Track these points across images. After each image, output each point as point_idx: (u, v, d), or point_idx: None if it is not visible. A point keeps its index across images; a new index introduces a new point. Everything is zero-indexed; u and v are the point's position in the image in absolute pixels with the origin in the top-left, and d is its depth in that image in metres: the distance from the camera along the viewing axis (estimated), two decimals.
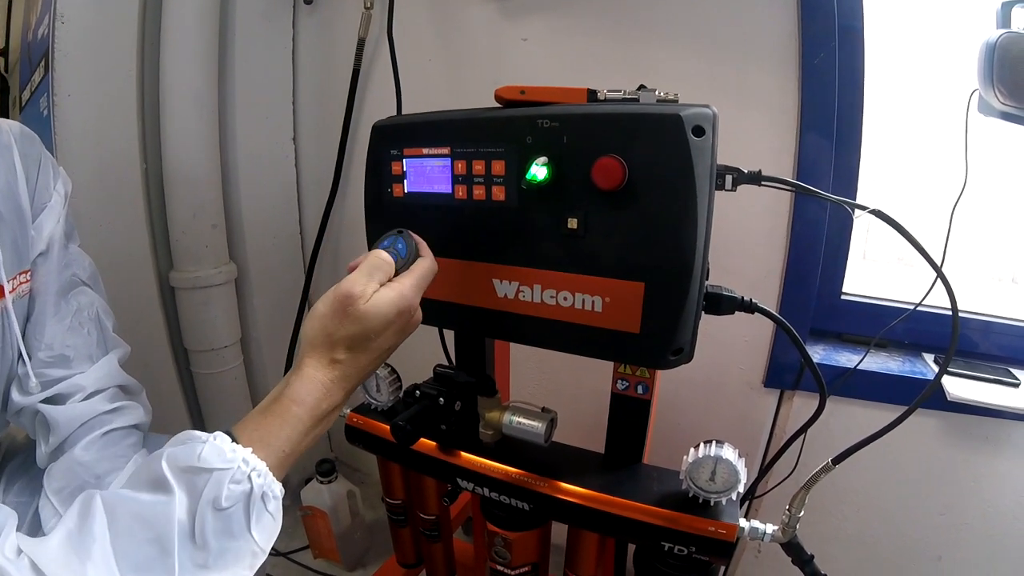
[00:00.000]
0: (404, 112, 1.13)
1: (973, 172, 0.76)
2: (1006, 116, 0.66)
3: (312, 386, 0.48)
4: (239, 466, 0.44)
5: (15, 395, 0.65)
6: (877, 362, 0.92)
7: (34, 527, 0.65)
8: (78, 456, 0.64)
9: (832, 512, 0.99)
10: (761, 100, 0.86)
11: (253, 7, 1.23)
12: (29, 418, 0.68)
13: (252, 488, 0.44)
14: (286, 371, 1.11)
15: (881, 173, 0.94)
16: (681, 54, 0.91)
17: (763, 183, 0.53)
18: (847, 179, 0.90)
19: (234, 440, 0.46)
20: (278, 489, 0.46)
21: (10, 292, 0.60)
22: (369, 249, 0.54)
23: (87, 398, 0.68)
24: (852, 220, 0.88)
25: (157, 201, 1.19)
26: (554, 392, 0.78)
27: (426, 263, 0.55)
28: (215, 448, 0.44)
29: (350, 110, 1.22)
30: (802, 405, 0.95)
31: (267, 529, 0.46)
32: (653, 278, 0.50)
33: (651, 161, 0.47)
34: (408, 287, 0.52)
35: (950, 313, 0.53)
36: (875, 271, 1.17)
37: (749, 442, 0.87)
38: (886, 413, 0.82)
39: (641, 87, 0.52)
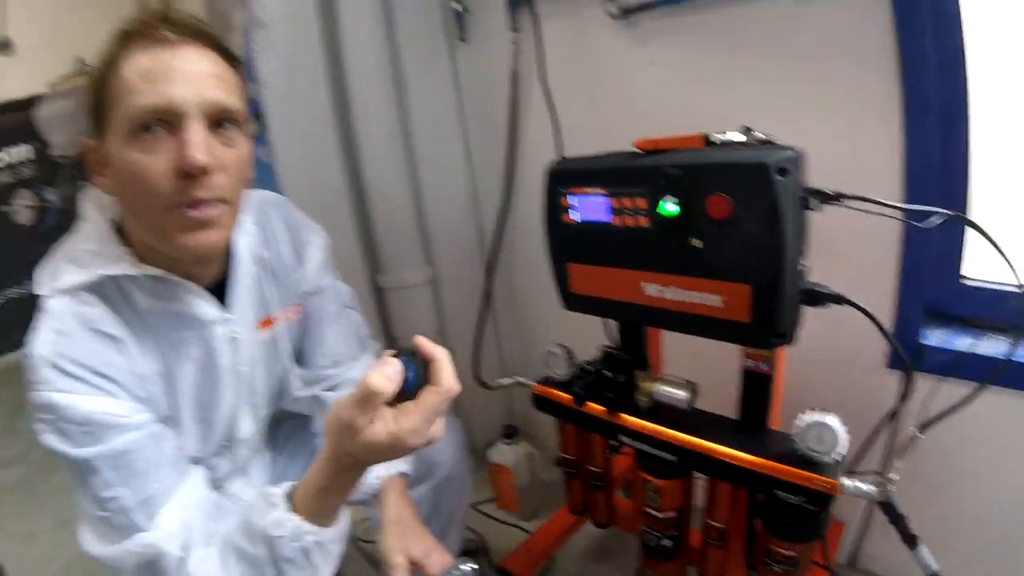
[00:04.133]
0: (560, 134, 1.38)
1: None
2: None
3: (330, 470, 0.64)
4: (293, 531, 0.65)
5: (296, 389, 0.98)
6: (993, 346, 0.99)
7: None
8: None
9: (949, 492, 1.09)
10: (869, 110, 0.98)
11: (418, 52, 1.58)
12: (307, 403, 1.02)
13: (305, 545, 0.66)
14: (474, 350, 1.51)
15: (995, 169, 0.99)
16: (791, 75, 1.05)
17: (843, 202, 0.72)
18: (954, 180, 0.97)
19: (292, 500, 0.67)
20: (327, 535, 0.67)
21: (283, 319, 0.93)
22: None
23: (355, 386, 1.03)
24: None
25: (361, 219, 1.61)
26: (699, 368, 1.00)
27: (434, 399, 0.59)
28: (277, 519, 0.65)
29: (512, 130, 1.51)
30: (924, 386, 0.99)
31: (326, 559, 0.69)
32: (756, 281, 0.73)
33: (748, 197, 0.70)
34: (406, 430, 0.57)
35: None
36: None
37: (869, 417, 0.98)
38: (1003, 397, 0.94)
39: (746, 129, 0.75)
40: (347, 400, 0.58)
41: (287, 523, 0.65)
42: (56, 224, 5.10)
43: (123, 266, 0.72)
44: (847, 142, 1.01)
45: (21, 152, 4.99)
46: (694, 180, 0.74)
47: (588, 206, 0.87)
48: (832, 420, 0.76)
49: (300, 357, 1.00)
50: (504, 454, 1.56)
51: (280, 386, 0.99)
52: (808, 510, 0.80)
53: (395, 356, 0.59)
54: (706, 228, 0.75)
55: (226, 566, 0.69)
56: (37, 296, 0.73)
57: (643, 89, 1.27)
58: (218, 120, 0.67)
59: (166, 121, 0.64)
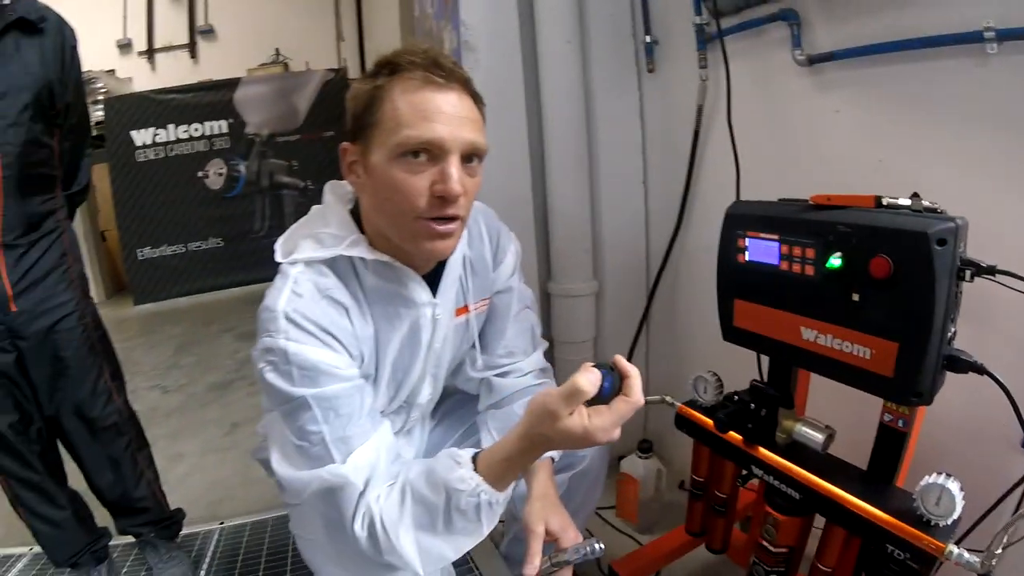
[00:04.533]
0: (739, 170, 1.50)
1: None
2: None
3: (520, 444, 0.83)
4: (474, 487, 0.83)
5: (470, 370, 1.20)
6: None
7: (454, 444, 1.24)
8: (516, 410, 1.16)
9: None
10: None
11: (608, 78, 1.80)
12: (476, 383, 1.23)
13: (480, 501, 0.83)
14: None
15: None
16: (975, 136, 1.08)
17: (996, 277, 0.82)
18: None
19: (476, 463, 0.85)
20: (499, 497, 0.84)
21: (474, 309, 1.13)
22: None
23: (523, 376, 1.21)
24: None
25: (542, 230, 1.86)
26: (839, 415, 1.06)
27: (624, 408, 0.79)
28: (461, 475, 0.83)
29: (692, 162, 1.67)
30: None
31: (490, 518, 0.85)
32: (903, 340, 0.85)
33: (907, 261, 0.82)
34: (597, 426, 0.77)
35: None
36: None
37: (992, 492, 1.01)
38: None
39: (914, 195, 0.87)
40: (554, 392, 0.77)
41: (470, 480, 0.83)
42: (243, 192, 6.01)
43: (360, 250, 0.93)
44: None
45: (218, 126, 5.91)
46: (860, 239, 0.88)
47: (760, 249, 1.03)
48: (953, 485, 0.83)
49: (481, 344, 1.21)
50: (636, 466, 1.72)
51: (458, 365, 1.23)
52: (911, 568, 0.87)
53: (596, 367, 0.78)
54: (866, 285, 0.88)
55: (403, 504, 0.87)
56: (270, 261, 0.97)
57: (825, 137, 1.36)
58: (468, 155, 0.87)
59: (431, 152, 0.84)
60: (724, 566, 1.51)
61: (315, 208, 1.03)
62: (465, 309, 1.13)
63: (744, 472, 1.19)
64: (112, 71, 6.10)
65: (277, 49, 6.55)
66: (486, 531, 0.87)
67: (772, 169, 1.47)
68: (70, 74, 1.47)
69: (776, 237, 1.00)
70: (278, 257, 0.95)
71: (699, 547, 1.43)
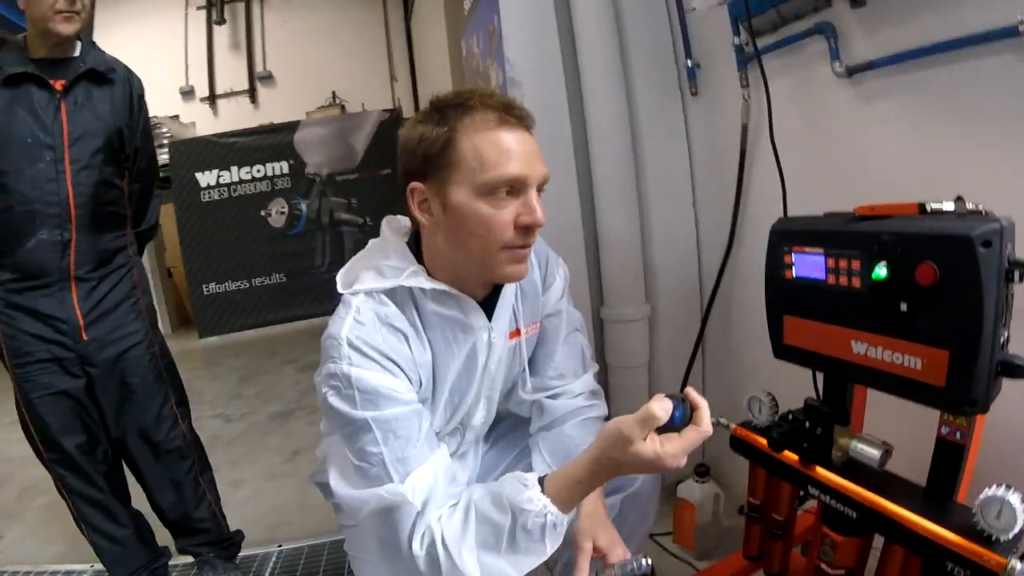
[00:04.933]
0: (785, 187, 1.48)
1: None
2: None
3: (590, 468, 0.86)
4: (541, 508, 0.85)
5: (522, 392, 1.23)
6: None
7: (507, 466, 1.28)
8: (567, 431, 1.20)
9: None
10: None
11: (652, 104, 1.84)
12: (528, 406, 1.25)
13: (546, 522, 0.85)
14: (680, 390, 1.65)
15: None
16: (1020, 129, 1.06)
17: None
18: None
19: (542, 485, 0.88)
20: (564, 519, 0.86)
21: (526, 332, 1.19)
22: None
23: (574, 398, 1.23)
24: None
25: (593, 256, 1.89)
26: (897, 431, 1.03)
27: (694, 436, 0.83)
28: (529, 496, 0.86)
29: (740, 182, 1.68)
30: None
31: (553, 539, 0.87)
32: (954, 348, 0.83)
33: (952, 266, 0.81)
34: (668, 453, 0.81)
35: None
36: None
37: None
38: None
39: (958, 199, 0.85)
40: (629, 418, 0.82)
41: (537, 501, 0.86)
42: (304, 229, 6.26)
43: (420, 280, 0.99)
44: None
45: (279, 167, 6.18)
46: (905, 247, 0.87)
47: (806, 264, 1.03)
48: (1013, 497, 0.80)
49: (531, 367, 1.25)
50: (693, 491, 1.71)
51: (511, 388, 1.26)
52: None
53: (668, 397, 0.84)
54: (913, 293, 0.87)
55: (466, 524, 0.89)
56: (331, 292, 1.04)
57: (869, 147, 1.34)
58: (540, 186, 0.96)
59: (513, 187, 0.92)
60: None
61: (373, 242, 1.09)
62: (517, 332, 1.17)
63: (801, 493, 1.16)
64: (176, 116, 6.52)
65: (334, 92, 6.87)
66: (549, 552, 0.89)
67: (818, 184, 1.46)
68: (138, 121, 1.61)
69: (821, 251, 0.99)
70: (340, 288, 1.01)
71: (757, 572, 1.40)
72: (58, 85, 1.45)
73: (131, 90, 1.59)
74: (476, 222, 0.93)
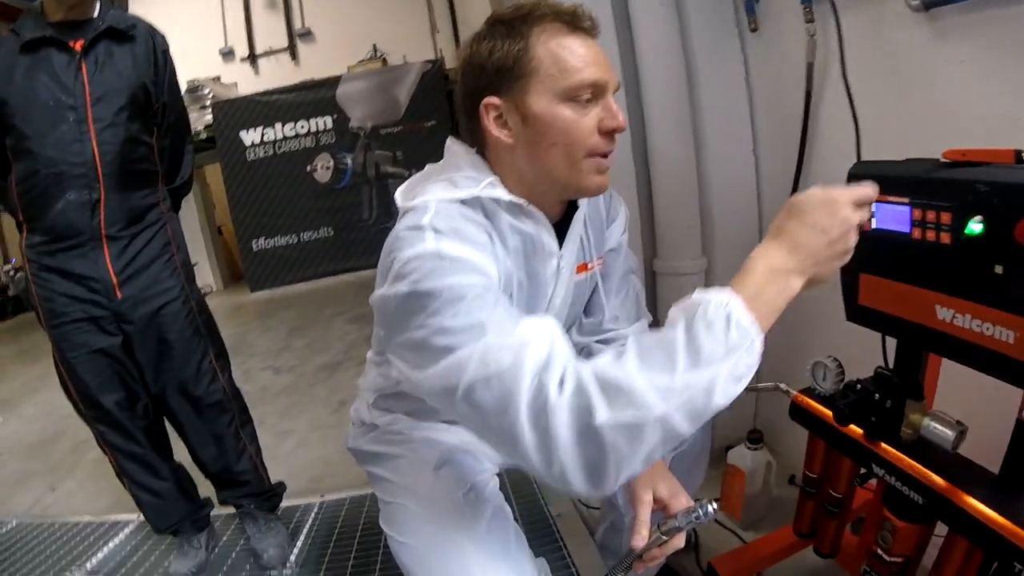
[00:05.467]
0: (859, 132, 1.37)
1: None
2: None
3: (762, 251, 0.74)
4: (724, 298, 0.69)
5: (576, 334, 1.16)
6: None
7: None
8: None
9: None
10: None
11: (708, 42, 1.68)
12: (576, 350, 1.19)
13: (730, 312, 0.68)
14: None
15: None
16: None
17: None
18: None
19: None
20: (747, 318, 0.68)
21: (593, 268, 1.11)
22: None
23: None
24: None
25: (647, 205, 1.76)
26: (969, 409, 0.93)
27: (867, 191, 0.75)
28: (702, 295, 0.71)
29: (805, 125, 1.53)
30: None
31: (736, 347, 0.68)
32: None
33: None
34: (837, 191, 0.73)
35: None
36: None
37: None
38: None
39: None
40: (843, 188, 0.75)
41: (717, 293, 0.70)
42: (350, 183, 6.27)
43: (499, 191, 0.92)
44: None
45: (322, 122, 6.16)
46: (1005, 200, 0.74)
47: (888, 215, 0.90)
48: None
49: (586, 307, 1.17)
50: (744, 458, 1.61)
51: (567, 329, 1.17)
52: None
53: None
54: (1011, 254, 0.74)
55: (623, 355, 0.70)
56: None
57: (948, 90, 1.22)
58: (614, 92, 0.92)
59: (594, 92, 0.88)
60: (832, 571, 1.40)
61: (432, 166, 1.01)
62: (586, 266, 1.10)
63: (863, 471, 1.06)
64: (217, 78, 6.56)
65: (374, 45, 6.75)
66: (732, 370, 0.68)
67: (893, 129, 1.33)
68: (164, 76, 1.57)
69: (907, 200, 0.86)
70: (406, 202, 0.93)
71: (806, 550, 1.33)
72: (77, 46, 1.42)
73: (154, 45, 1.54)
74: (560, 129, 0.88)
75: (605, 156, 0.91)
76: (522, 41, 0.88)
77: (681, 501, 0.96)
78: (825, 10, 1.39)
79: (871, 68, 1.36)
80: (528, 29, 0.88)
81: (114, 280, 1.49)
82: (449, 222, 0.85)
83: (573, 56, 0.87)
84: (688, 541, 1.63)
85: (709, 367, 0.67)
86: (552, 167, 0.91)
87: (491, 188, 0.92)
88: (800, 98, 1.52)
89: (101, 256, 1.48)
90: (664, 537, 0.90)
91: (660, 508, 0.96)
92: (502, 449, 0.76)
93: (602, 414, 0.67)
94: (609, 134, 0.90)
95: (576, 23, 0.89)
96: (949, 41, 1.19)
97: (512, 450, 0.72)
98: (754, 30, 1.68)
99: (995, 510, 0.82)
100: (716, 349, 0.67)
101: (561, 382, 0.70)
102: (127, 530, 1.94)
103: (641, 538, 0.90)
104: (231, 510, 1.84)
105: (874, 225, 0.92)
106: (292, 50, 6.87)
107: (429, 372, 0.77)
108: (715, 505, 0.88)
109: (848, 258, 0.74)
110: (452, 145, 1.01)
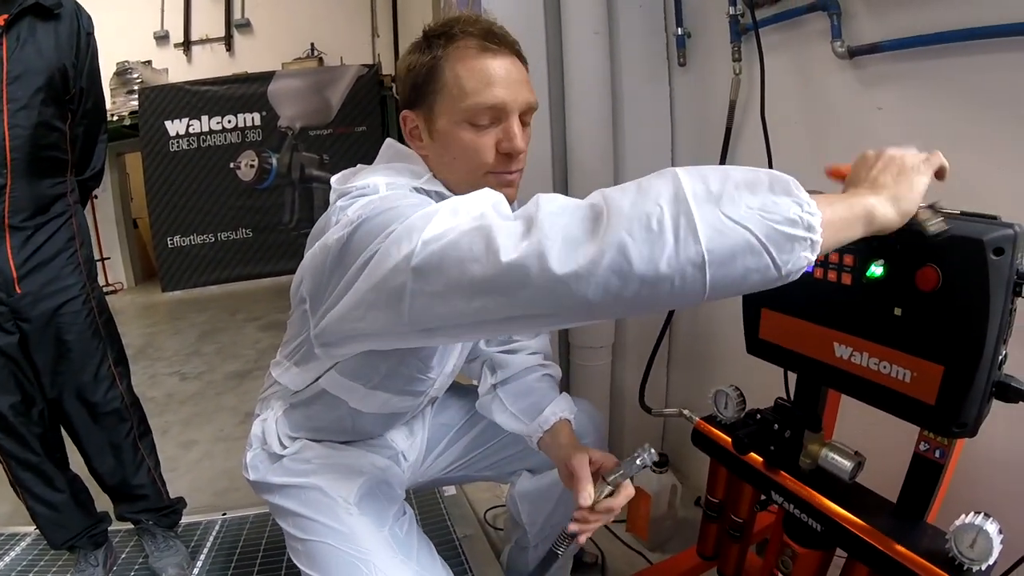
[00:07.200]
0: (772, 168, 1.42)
1: None
2: None
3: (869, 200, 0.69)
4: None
5: (483, 344, 1.22)
6: None
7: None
8: (530, 383, 1.18)
9: None
10: None
11: (637, 73, 1.73)
12: (479, 364, 1.24)
13: (803, 214, 0.65)
14: (644, 375, 1.59)
15: None
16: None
17: None
18: None
19: None
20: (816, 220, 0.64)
21: None
22: None
23: (531, 355, 1.23)
24: None
25: None
26: (869, 440, 0.97)
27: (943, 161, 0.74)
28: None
29: (723, 162, 1.58)
30: None
31: (799, 241, 0.63)
32: (950, 363, 0.74)
33: (957, 272, 0.72)
34: (918, 161, 0.73)
35: None
36: None
37: None
38: None
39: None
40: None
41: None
42: (273, 184, 6.05)
43: (438, 185, 0.95)
44: None
45: (251, 118, 5.94)
46: (906, 246, 0.78)
47: None
48: (991, 527, 0.74)
49: None
50: (650, 481, 1.64)
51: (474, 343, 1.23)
52: None
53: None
54: (911, 298, 0.77)
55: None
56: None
57: (867, 135, 1.27)
58: (523, 113, 0.94)
59: (495, 115, 0.90)
60: None
61: (372, 164, 1.03)
62: None
63: (763, 497, 1.09)
64: (148, 62, 6.18)
65: (312, 44, 6.59)
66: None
67: (809, 169, 1.33)
68: (85, 59, 1.48)
69: None
70: (339, 186, 0.94)
71: (710, 572, 1.35)
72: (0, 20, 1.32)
73: (79, 26, 1.45)
74: (459, 148, 0.92)
75: (506, 173, 0.95)
76: (432, 59, 0.91)
77: (614, 459, 1.00)
78: (752, 50, 1.44)
79: (792, 109, 1.42)
80: (442, 47, 0.91)
81: (14, 274, 1.39)
82: (404, 192, 0.87)
83: (474, 78, 0.89)
84: (595, 562, 1.64)
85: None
86: (458, 179, 0.96)
87: (432, 183, 0.96)
88: (721, 133, 1.57)
89: (2, 247, 1.37)
90: (610, 487, 0.95)
91: (596, 469, 1.00)
92: (475, 267, 0.65)
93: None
94: (507, 155, 0.93)
95: (487, 43, 0.90)
96: (870, 88, 1.25)
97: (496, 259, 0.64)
98: (683, 64, 1.73)
99: (892, 537, 0.85)
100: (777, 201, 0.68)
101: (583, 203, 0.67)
102: (24, 543, 1.82)
103: (587, 495, 0.94)
104: (130, 526, 1.74)
105: None
106: (228, 40, 6.58)
107: (390, 264, 0.71)
108: (654, 450, 0.95)
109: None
110: (393, 144, 1.04)
